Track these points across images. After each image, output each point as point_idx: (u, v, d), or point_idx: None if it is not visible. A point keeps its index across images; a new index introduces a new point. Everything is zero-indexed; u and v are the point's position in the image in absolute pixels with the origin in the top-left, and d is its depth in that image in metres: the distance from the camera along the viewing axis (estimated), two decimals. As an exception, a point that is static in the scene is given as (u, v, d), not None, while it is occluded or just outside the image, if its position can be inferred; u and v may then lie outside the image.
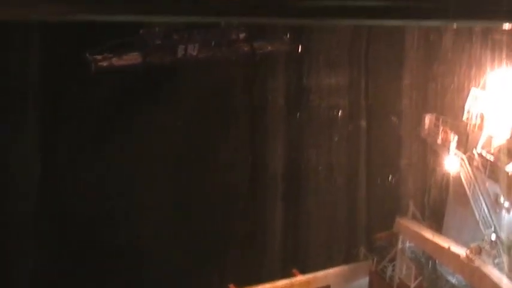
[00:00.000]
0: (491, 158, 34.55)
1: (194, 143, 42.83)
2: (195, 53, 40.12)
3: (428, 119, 38.01)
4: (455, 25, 5.29)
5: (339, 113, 42.14)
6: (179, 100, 42.79)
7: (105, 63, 38.86)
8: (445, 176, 37.08)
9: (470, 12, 5.95)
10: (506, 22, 5.70)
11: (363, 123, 42.05)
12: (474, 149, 35.41)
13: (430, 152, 38.59)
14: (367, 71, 42.18)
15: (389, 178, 39.99)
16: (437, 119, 37.58)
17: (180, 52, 40.05)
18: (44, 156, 42.39)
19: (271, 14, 5.79)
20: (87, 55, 38.50)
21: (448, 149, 36.23)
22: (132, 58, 39.55)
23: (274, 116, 43.27)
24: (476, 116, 35.68)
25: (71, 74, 41.07)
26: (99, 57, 38.68)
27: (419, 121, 38.78)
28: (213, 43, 40.20)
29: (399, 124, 40.48)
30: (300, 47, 41.06)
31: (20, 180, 41.79)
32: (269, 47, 41.35)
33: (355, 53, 42.30)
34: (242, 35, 40.63)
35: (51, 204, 41.94)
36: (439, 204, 38.77)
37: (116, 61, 39.10)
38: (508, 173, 33.33)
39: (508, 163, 33.52)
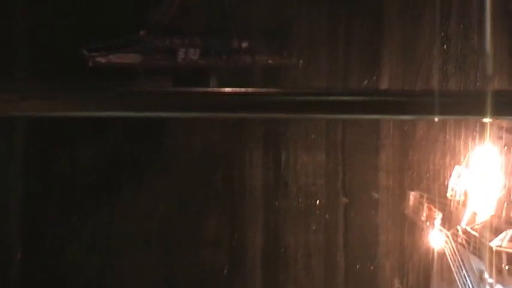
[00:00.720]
0: (475, 234, 34.63)
1: (173, 225, 42.34)
2: (196, 58, 39.71)
3: (412, 197, 38.35)
4: (436, 119, 5.40)
5: (317, 201, 42.01)
6: (162, 179, 42.42)
7: (103, 60, 38.42)
8: (430, 253, 37.08)
9: (453, 107, 6.06)
10: (489, 118, 5.82)
11: (344, 201, 41.97)
12: (458, 226, 35.51)
13: (414, 229, 38.65)
14: (343, 155, 42.16)
15: (372, 258, 39.93)
16: (421, 197, 37.91)
17: (181, 56, 39.76)
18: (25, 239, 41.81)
19: (247, 109, 5.96)
20: (84, 52, 38.02)
21: (433, 225, 36.34)
22: (131, 57, 39.22)
23: (253, 202, 42.96)
24: (460, 194, 35.91)
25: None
26: (96, 53, 38.26)
27: (403, 198, 39.00)
28: (213, 52, 39.87)
29: (382, 200, 40.50)
30: (300, 62, 40.26)
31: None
32: (269, 61, 40.79)
33: (331, 136, 42.30)
34: (245, 44, 40.05)
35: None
36: (424, 281, 38.68)
37: (113, 58, 38.66)
38: (492, 248, 33.37)
39: (492, 239, 33.57)
